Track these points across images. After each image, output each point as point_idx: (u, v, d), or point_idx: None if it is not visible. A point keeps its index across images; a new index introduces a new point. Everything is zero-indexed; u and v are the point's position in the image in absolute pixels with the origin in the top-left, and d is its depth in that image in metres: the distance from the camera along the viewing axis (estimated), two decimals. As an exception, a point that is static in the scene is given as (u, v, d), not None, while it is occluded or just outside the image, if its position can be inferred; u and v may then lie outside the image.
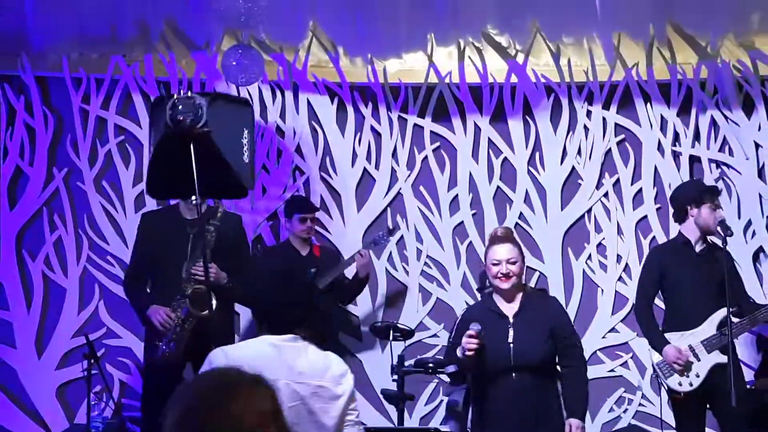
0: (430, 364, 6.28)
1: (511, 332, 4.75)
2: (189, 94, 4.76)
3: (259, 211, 7.30)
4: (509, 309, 4.87)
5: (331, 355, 3.40)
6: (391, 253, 7.37)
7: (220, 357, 3.28)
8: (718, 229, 5.71)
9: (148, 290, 5.91)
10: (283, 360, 3.28)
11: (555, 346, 4.81)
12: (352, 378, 3.36)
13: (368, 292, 7.26)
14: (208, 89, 7.25)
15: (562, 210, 7.41)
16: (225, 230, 5.71)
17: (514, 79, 7.43)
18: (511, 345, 4.72)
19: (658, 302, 6.11)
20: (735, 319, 5.70)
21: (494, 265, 4.81)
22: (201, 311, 5.49)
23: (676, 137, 7.42)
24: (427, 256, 7.35)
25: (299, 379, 3.25)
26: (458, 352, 4.68)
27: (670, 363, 5.72)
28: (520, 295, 4.87)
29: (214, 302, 5.19)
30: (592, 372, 6.70)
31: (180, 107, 4.59)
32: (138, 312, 5.88)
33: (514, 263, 4.78)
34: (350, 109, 7.44)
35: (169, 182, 4.70)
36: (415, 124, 7.46)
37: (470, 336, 4.58)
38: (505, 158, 7.45)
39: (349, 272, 6.88)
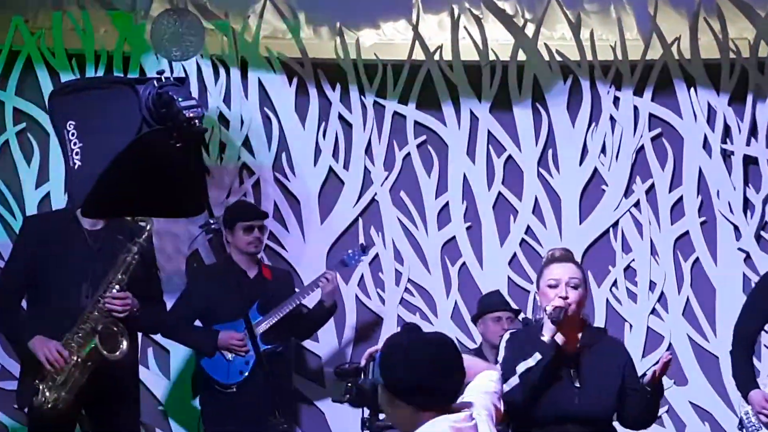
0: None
1: (574, 374, 4.52)
2: (175, 76, 4.40)
3: (194, 221, 6.59)
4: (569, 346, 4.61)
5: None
6: (363, 276, 6.93)
7: None
8: None
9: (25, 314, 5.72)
10: None
11: (623, 402, 4.58)
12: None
13: (333, 326, 6.82)
14: (133, 65, 6.83)
15: (580, 223, 6.99)
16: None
17: (521, 56, 7.01)
18: (578, 390, 4.48)
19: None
20: None
21: (551, 287, 4.51)
22: (111, 352, 5.33)
23: (727, 132, 6.99)
24: (409, 281, 6.95)
25: None
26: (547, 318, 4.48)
27: (756, 411, 5.41)
28: (579, 333, 4.58)
29: (125, 343, 5.29)
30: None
31: (180, 99, 4.20)
32: (12, 341, 5.73)
33: (575, 288, 4.49)
34: (313, 93, 7.01)
35: (122, 197, 4.30)
36: (396, 113, 7.05)
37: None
38: (509, 157, 7.03)
39: (309, 299, 6.52)
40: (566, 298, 4.49)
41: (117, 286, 5.32)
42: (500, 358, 4.74)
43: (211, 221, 4.49)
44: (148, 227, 5.45)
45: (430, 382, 3.18)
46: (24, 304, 5.70)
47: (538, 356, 4.44)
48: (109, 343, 5.32)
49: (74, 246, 5.49)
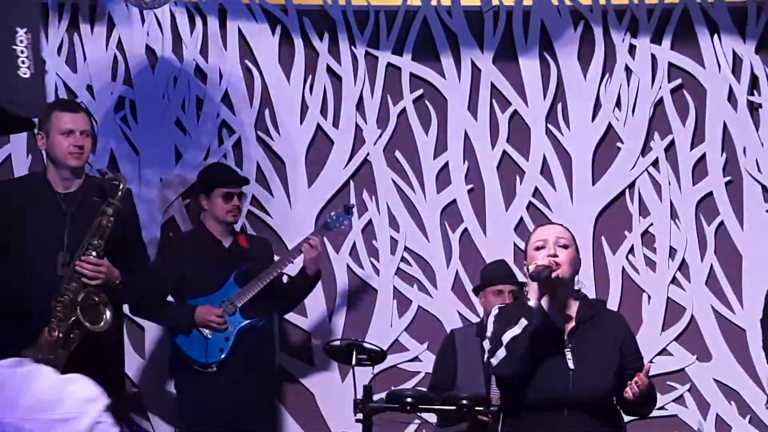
0: (409, 399, 5.77)
1: (568, 354, 4.53)
2: None
3: (171, 185, 6.83)
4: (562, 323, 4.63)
5: (78, 377, 2.96)
6: (354, 243, 6.84)
7: None
8: None
9: None
10: (5, 393, 2.86)
11: (623, 380, 4.59)
12: (102, 406, 2.94)
13: (322, 299, 6.80)
14: (99, 13, 6.84)
15: (593, 184, 6.89)
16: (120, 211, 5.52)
17: (527, 0, 6.90)
18: (572, 372, 4.49)
19: None
20: None
21: (537, 249, 4.53)
22: (94, 323, 5.26)
23: (754, 83, 6.87)
24: (406, 249, 6.87)
25: (28, 415, 2.78)
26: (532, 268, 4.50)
27: None
28: (575, 306, 4.57)
29: (108, 312, 5.18)
30: (634, 409, 6.47)
31: None
32: None
33: (565, 247, 4.50)
34: (299, 43, 6.91)
35: None
36: (390, 64, 6.96)
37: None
38: (515, 112, 6.93)
39: (291, 267, 6.45)
40: (555, 256, 4.47)
41: (93, 252, 5.25)
42: (488, 334, 4.72)
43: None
44: (121, 186, 5.38)
45: None
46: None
47: (524, 322, 4.43)
48: (91, 314, 5.27)
49: (47, 212, 5.43)
